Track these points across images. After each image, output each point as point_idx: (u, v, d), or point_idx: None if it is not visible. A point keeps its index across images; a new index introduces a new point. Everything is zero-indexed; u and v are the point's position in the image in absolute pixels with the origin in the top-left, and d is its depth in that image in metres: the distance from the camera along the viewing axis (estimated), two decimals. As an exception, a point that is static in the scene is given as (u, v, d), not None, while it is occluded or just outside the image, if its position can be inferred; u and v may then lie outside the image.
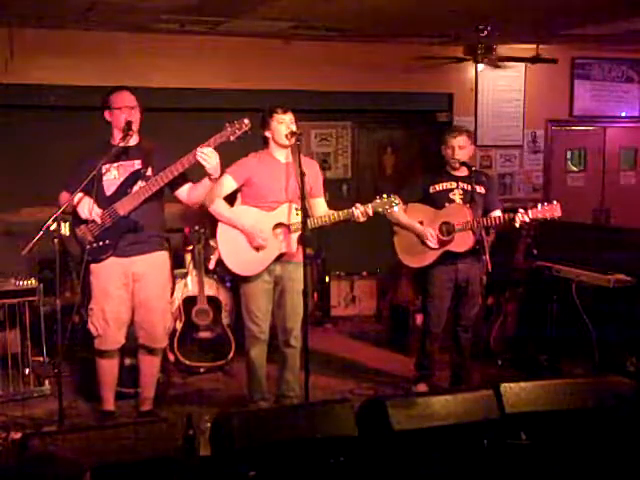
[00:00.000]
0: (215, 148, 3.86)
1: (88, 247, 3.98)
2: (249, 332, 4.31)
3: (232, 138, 3.84)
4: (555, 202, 4.40)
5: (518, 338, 5.49)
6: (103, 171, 4.00)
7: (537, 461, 3.02)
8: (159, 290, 4.22)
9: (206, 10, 5.31)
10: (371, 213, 4.04)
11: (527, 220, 4.38)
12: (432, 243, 4.57)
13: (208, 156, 3.82)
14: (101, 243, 4.02)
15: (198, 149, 3.83)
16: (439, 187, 4.65)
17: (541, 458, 3.02)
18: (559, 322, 5.23)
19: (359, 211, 4.02)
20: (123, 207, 3.99)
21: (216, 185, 4.11)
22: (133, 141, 4.09)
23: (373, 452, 2.88)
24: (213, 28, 5.99)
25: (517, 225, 4.41)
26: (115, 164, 4.05)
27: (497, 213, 4.66)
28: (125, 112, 4.02)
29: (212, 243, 4.95)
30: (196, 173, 4.02)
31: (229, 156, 4.11)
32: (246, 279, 4.24)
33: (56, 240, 3.64)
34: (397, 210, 4.11)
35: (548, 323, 5.28)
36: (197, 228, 5.48)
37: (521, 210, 4.41)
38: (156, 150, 4.13)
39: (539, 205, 4.41)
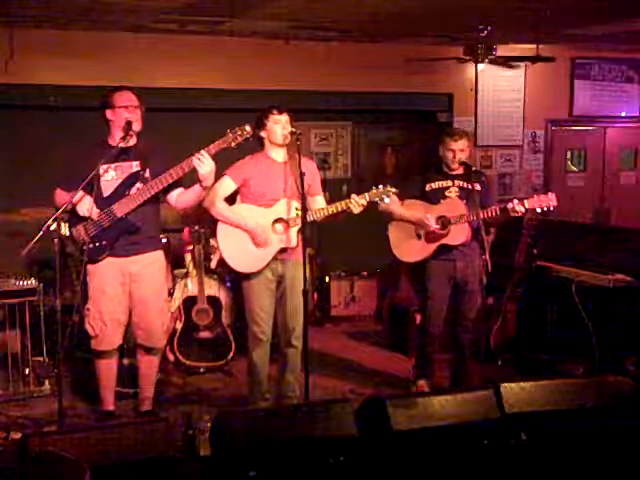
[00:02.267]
0: (215, 153, 3.86)
1: (85, 248, 3.99)
2: (251, 333, 4.30)
3: (233, 144, 3.85)
4: (551, 193, 4.41)
5: (518, 338, 5.49)
6: (101, 172, 4.00)
7: (537, 461, 3.02)
8: (156, 289, 4.22)
9: (206, 10, 5.31)
10: (366, 202, 4.06)
11: (522, 210, 4.36)
12: (432, 226, 4.50)
13: (203, 161, 3.82)
14: (97, 244, 4.02)
15: (196, 153, 3.83)
16: (435, 185, 4.65)
17: (541, 458, 3.02)
18: (559, 322, 5.24)
19: (354, 201, 4.04)
20: (121, 209, 3.99)
21: (216, 187, 4.13)
22: (131, 142, 4.08)
23: (373, 452, 2.88)
24: (213, 28, 5.99)
25: (511, 213, 4.39)
26: (113, 165, 4.04)
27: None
28: (131, 112, 4.01)
29: (213, 242, 4.95)
30: (188, 179, 4.02)
31: (229, 157, 4.11)
32: (249, 278, 4.24)
33: (56, 240, 3.64)
34: (390, 200, 4.12)
35: (548, 323, 5.29)
36: (197, 228, 5.48)
37: (516, 200, 4.40)
38: (154, 151, 4.12)
39: (535, 196, 4.42)
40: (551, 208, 4.38)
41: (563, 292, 5.07)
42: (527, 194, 7.60)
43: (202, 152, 3.83)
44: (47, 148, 5.93)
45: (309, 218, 4.04)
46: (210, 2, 5.08)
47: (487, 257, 4.41)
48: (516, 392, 3.12)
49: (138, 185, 4.02)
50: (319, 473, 2.83)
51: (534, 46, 6.93)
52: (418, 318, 5.45)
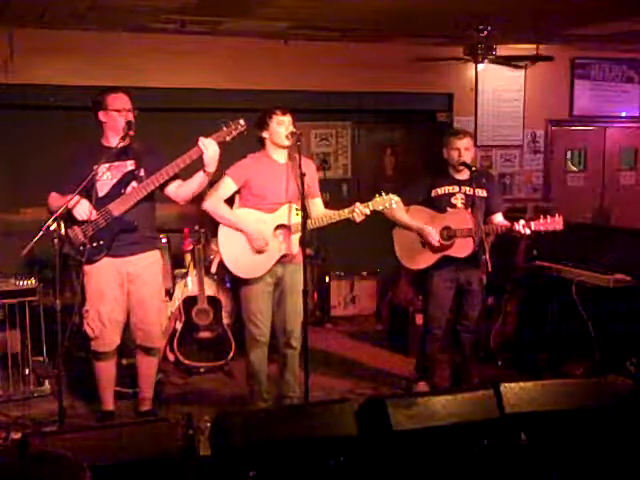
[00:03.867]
0: None
1: (82, 248, 3.98)
2: (249, 335, 4.29)
3: (228, 139, 3.86)
4: (558, 215, 4.44)
5: (518, 338, 5.49)
6: (97, 172, 4.00)
7: (537, 461, 3.02)
8: (154, 289, 4.22)
9: (206, 10, 5.31)
10: (369, 212, 4.03)
11: (528, 232, 4.41)
12: (434, 241, 4.55)
13: (207, 145, 3.81)
14: (95, 244, 4.01)
15: (201, 137, 3.83)
16: (441, 191, 4.64)
17: (541, 458, 3.02)
18: (559, 322, 5.24)
19: (358, 210, 4.02)
20: (117, 208, 3.99)
21: (216, 188, 4.10)
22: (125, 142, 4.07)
23: (373, 452, 2.88)
24: (213, 28, 5.99)
25: (516, 234, 4.48)
26: (107, 165, 4.04)
27: (499, 217, 4.67)
28: (123, 115, 4.01)
29: (213, 246, 4.94)
30: (189, 171, 4.02)
31: (228, 156, 4.11)
32: (248, 281, 4.22)
33: (56, 240, 3.64)
34: (395, 207, 4.10)
35: (548, 323, 5.28)
36: (197, 228, 5.48)
37: (522, 221, 4.43)
38: (148, 151, 4.13)
39: (541, 218, 4.44)
40: (557, 231, 4.43)
41: (563, 292, 5.07)
42: (527, 194, 7.64)
43: (205, 139, 3.83)
44: (47, 148, 5.92)
45: (309, 226, 4.01)
46: (210, 2, 5.09)
47: (487, 257, 4.41)
48: (516, 392, 3.12)
49: (133, 184, 4.03)
50: (319, 473, 2.83)
51: (534, 46, 6.94)
52: (419, 319, 5.46)
